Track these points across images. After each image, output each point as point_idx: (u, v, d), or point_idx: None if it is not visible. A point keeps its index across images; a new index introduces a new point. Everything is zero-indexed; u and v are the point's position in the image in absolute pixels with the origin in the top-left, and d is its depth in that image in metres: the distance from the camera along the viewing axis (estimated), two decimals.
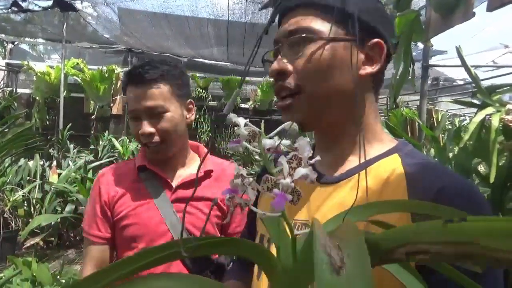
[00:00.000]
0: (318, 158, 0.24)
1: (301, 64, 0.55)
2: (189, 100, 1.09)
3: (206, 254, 0.23)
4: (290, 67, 0.56)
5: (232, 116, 0.23)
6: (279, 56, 0.58)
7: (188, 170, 1.10)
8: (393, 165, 0.53)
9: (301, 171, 0.21)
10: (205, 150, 1.19)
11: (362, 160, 0.55)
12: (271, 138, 0.22)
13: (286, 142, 0.22)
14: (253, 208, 0.22)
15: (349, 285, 0.14)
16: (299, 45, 0.55)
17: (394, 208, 0.34)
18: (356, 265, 0.15)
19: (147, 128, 0.99)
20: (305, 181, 0.21)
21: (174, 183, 1.05)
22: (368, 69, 0.55)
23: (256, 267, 0.64)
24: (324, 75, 0.54)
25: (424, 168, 0.51)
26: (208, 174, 1.08)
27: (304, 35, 0.54)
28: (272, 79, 0.59)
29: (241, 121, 0.23)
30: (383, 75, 0.59)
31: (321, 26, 0.54)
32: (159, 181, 1.05)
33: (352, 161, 0.57)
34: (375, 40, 0.55)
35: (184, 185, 1.05)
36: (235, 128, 0.23)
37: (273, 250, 0.39)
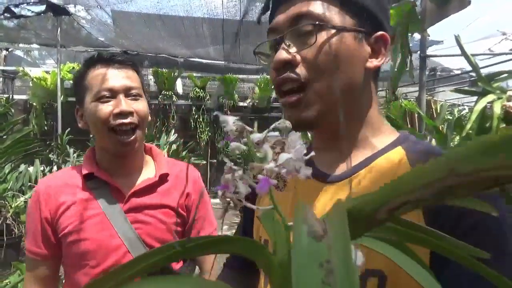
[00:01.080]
0: (313, 153, 0.24)
1: (312, 54, 0.51)
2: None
3: (205, 254, 0.23)
4: (298, 56, 0.51)
5: (219, 114, 0.24)
6: (283, 46, 0.52)
7: (142, 175, 1.00)
8: (398, 158, 0.52)
9: (284, 156, 0.21)
10: (159, 151, 1.08)
11: (366, 155, 0.54)
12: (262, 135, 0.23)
13: (273, 133, 0.22)
14: (247, 204, 0.22)
15: (329, 249, 0.15)
16: (309, 33, 0.51)
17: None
18: (337, 232, 0.16)
19: (126, 107, 0.89)
20: (298, 174, 0.21)
21: (127, 191, 0.94)
22: (375, 62, 0.54)
23: (262, 276, 0.62)
24: (335, 67, 0.50)
25: (428, 158, 0.49)
26: (164, 178, 0.98)
27: (316, 22, 0.50)
28: (273, 71, 0.53)
29: (229, 118, 0.23)
30: (380, 68, 0.58)
31: (330, 13, 0.51)
32: (109, 190, 0.93)
33: (356, 157, 0.55)
34: (380, 32, 0.53)
35: (138, 192, 0.94)
36: (223, 125, 0.23)
37: None
